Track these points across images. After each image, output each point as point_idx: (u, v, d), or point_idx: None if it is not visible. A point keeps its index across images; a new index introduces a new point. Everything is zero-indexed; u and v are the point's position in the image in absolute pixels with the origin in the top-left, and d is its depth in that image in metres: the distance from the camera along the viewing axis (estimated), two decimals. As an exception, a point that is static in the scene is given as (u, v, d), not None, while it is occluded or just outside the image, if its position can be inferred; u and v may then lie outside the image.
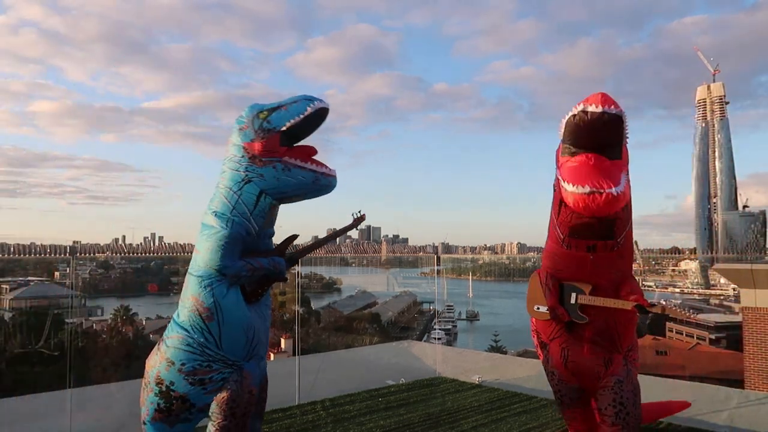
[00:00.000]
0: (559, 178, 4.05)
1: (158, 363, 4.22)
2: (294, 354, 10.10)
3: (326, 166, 4.25)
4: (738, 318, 35.98)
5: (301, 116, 4.09)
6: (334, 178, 4.29)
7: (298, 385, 7.91)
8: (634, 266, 5.12)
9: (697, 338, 60.76)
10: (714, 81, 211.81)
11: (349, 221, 4.88)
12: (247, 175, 4.13)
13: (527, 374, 9.15)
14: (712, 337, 61.51)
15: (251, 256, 4.20)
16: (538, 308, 5.07)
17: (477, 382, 8.70)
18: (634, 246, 5.02)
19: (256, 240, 4.26)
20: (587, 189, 3.77)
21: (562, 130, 4.02)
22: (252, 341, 4.24)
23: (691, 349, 49.99)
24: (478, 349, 30.17)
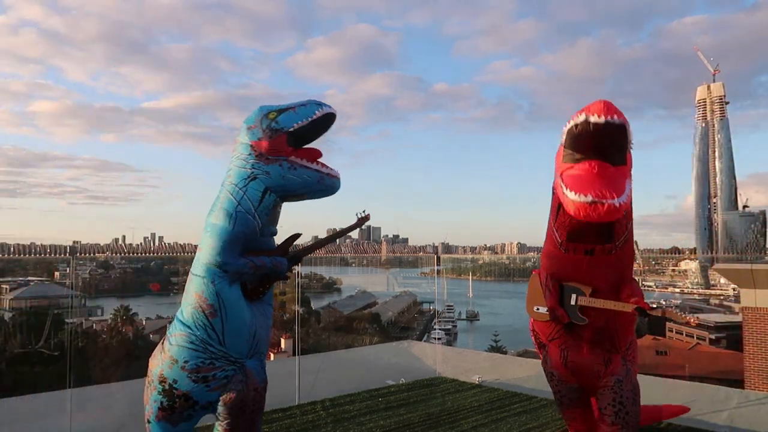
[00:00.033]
0: (560, 184, 3.99)
1: (162, 361, 4.24)
2: (294, 354, 10.11)
3: (331, 168, 4.34)
4: (738, 318, 35.96)
5: (309, 119, 4.20)
6: (338, 179, 4.38)
7: (298, 385, 7.91)
8: (635, 266, 5.10)
9: (697, 338, 60.76)
10: (714, 81, 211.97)
11: (353, 221, 4.91)
12: (253, 172, 4.19)
13: (527, 374, 9.14)
14: (712, 337, 61.52)
15: (253, 254, 4.23)
16: (538, 309, 5.06)
17: (477, 382, 8.71)
18: (635, 246, 5.00)
19: (259, 238, 4.29)
20: (589, 198, 3.72)
21: (564, 138, 3.95)
22: (254, 338, 4.28)
23: (691, 349, 50.00)
24: (478, 349, 30.16)
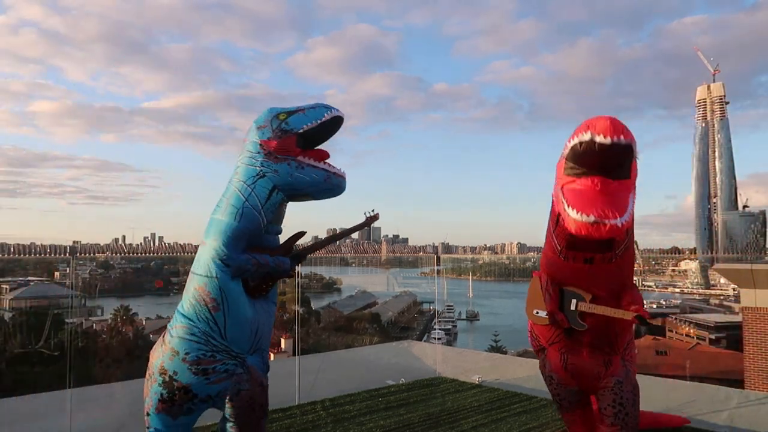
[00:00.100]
0: (561, 199, 3.96)
1: (162, 353, 4.26)
2: (294, 354, 10.11)
3: (337, 169, 4.45)
4: (738, 318, 36.01)
5: (318, 121, 4.32)
6: (344, 179, 4.48)
7: (298, 385, 7.91)
8: (635, 266, 5.08)
9: (697, 338, 60.82)
10: (714, 81, 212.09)
11: (362, 220, 4.96)
12: (261, 170, 4.27)
13: (527, 374, 9.14)
14: (712, 337, 61.58)
15: (257, 251, 4.27)
16: (537, 312, 5.04)
17: (477, 382, 8.71)
18: (635, 246, 4.97)
19: (263, 235, 4.34)
20: (591, 218, 3.69)
21: (567, 151, 3.88)
22: (256, 334, 4.31)
23: (691, 349, 50.05)
24: (478, 349, 30.17)
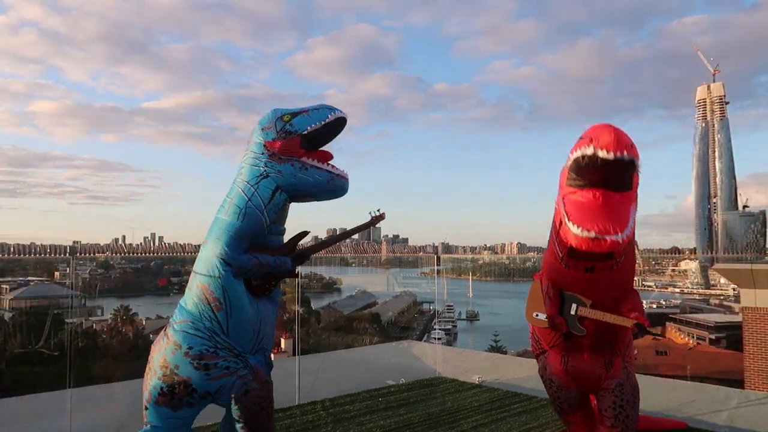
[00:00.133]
0: (563, 213, 3.94)
1: (165, 347, 4.27)
2: (294, 354, 10.11)
3: (341, 170, 4.47)
4: (738, 318, 35.99)
5: (322, 122, 4.35)
6: (347, 180, 4.51)
7: (298, 385, 7.92)
8: (635, 267, 5.07)
9: (697, 338, 60.81)
10: (714, 81, 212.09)
11: (367, 219, 4.98)
12: (265, 171, 4.30)
13: (527, 374, 9.13)
14: (712, 337, 61.56)
15: (259, 251, 4.29)
16: (537, 315, 5.03)
17: (477, 382, 8.71)
18: (635, 247, 4.96)
19: (266, 235, 4.36)
20: (592, 234, 3.68)
21: (569, 162, 3.82)
22: (258, 334, 4.33)
23: (691, 349, 50.04)
24: (478, 349, 30.17)
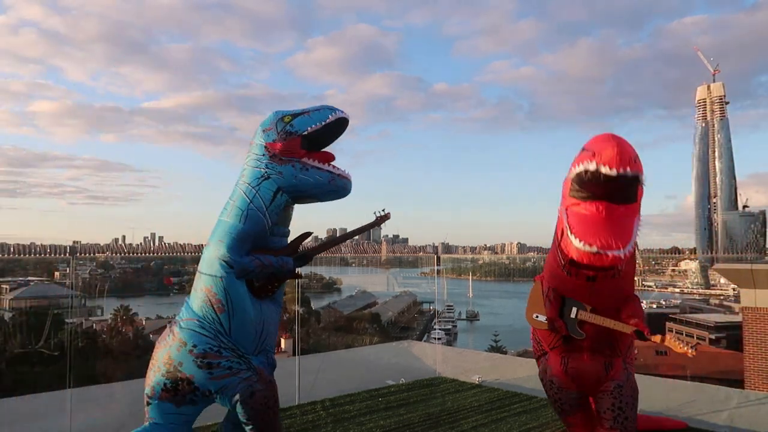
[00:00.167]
0: (566, 225, 3.92)
1: (170, 344, 4.29)
2: (294, 354, 10.10)
3: (342, 170, 4.47)
4: (738, 318, 35.96)
5: (322, 123, 4.36)
6: (349, 181, 4.51)
7: (298, 385, 7.92)
8: (635, 268, 5.06)
9: (697, 338, 60.72)
10: (714, 81, 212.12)
11: (372, 219, 4.97)
12: (266, 172, 4.32)
13: (527, 374, 9.13)
14: (712, 337, 61.52)
15: (261, 252, 4.29)
16: (537, 317, 5.04)
17: (477, 382, 8.70)
18: (635, 249, 4.94)
19: (269, 237, 4.37)
20: (594, 249, 3.66)
21: (572, 174, 3.76)
22: (261, 335, 4.34)
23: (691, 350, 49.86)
24: (478, 349, 30.15)
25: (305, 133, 4.33)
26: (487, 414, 6.96)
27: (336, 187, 4.44)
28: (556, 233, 4.55)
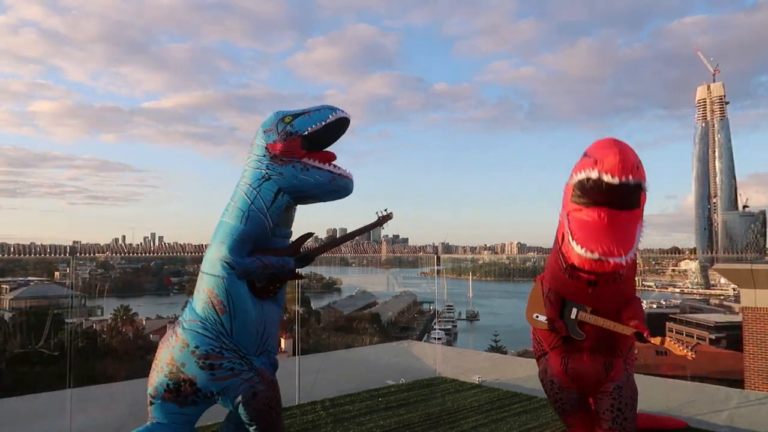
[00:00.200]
0: (567, 231, 3.90)
1: (173, 344, 4.29)
2: (294, 354, 10.10)
3: (343, 170, 4.45)
4: (738, 318, 35.98)
5: (323, 123, 4.34)
6: (350, 180, 4.49)
7: (298, 385, 7.92)
8: (636, 269, 5.06)
9: (697, 338, 60.72)
10: (714, 81, 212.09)
11: (374, 219, 5.00)
12: (267, 173, 4.31)
13: (527, 374, 9.13)
14: (712, 337, 61.53)
15: (262, 253, 4.29)
16: (537, 317, 5.03)
17: (477, 382, 8.70)
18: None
19: (270, 237, 4.37)
20: (596, 256, 3.65)
21: (573, 180, 3.72)
22: (262, 336, 4.35)
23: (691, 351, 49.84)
24: (478, 349, 30.15)
25: (306, 133, 4.31)
26: (487, 414, 6.96)
27: (337, 187, 4.42)
28: (557, 237, 4.54)
